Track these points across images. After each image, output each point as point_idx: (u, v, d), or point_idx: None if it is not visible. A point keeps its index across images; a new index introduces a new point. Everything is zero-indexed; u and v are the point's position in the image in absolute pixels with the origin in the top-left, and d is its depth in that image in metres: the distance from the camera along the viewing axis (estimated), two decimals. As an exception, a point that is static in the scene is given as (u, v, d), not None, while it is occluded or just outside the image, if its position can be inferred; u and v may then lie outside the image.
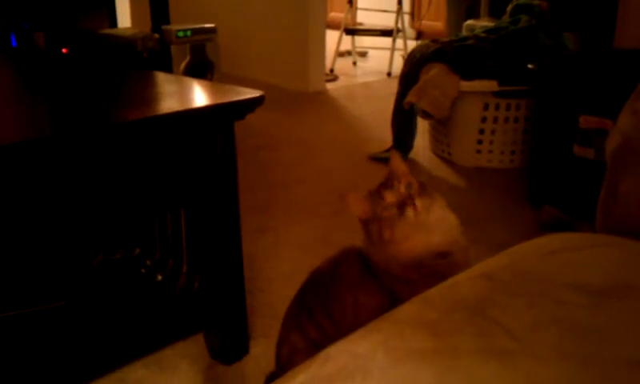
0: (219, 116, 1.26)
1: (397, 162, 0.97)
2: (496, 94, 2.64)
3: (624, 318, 0.53)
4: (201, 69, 3.45)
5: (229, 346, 1.44)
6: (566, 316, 0.53)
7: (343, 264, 1.05)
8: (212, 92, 1.45)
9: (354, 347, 0.53)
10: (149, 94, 1.43)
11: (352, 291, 1.00)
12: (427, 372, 0.49)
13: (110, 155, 1.15)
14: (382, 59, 5.10)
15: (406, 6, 5.78)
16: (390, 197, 0.91)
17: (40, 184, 1.08)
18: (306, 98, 4.05)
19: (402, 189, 0.92)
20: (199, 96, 1.41)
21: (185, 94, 1.46)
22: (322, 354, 0.53)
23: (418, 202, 0.90)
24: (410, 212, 0.89)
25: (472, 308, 0.55)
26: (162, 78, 1.60)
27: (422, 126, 2.94)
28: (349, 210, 0.97)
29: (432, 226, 0.91)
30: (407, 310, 0.57)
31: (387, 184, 0.94)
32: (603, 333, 0.52)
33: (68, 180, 1.11)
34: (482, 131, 2.71)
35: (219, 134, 1.28)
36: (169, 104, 1.37)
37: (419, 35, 6.09)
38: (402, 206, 0.90)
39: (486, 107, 2.67)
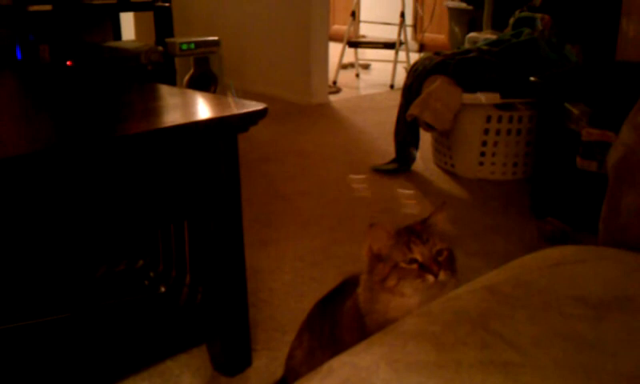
0: (222, 129, 1.27)
1: (442, 220, 0.90)
2: (498, 107, 2.65)
3: (625, 331, 0.54)
4: (204, 81, 3.46)
5: (231, 357, 1.44)
6: (569, 329, 0.53)
7: (346, 293, 1.04)
8: (215, 105, 1.45)
9: (357, 360, 0.53)
10: (153, 107, 1.44)
11: (340, 324, 1.00)
12: (430, 385, 0.49)
13: (114, 167, 1.16)
14: (384, 72, 5.12)
15: (409, 19, 5.81)
16: (418, 253, 0.85)
17: (44, 196, 1.08)
18: (309, 110, 4.06)
19: (434, 250, 0.85)
20: (203, 109, 1.42)
21: (188, 106, 1.47)
22: (325, 367, 0.54)
23: (442, 275, 0.83)
24: (429, 279, 0.83)
25: (475, 321, 0.55)
26: (165, 90, 1.60)
27: (425, 138, 2.94)
28: (367, 240, 0.93)
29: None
30: (410, 322, 0.58)
31: (421, 236, 0.88)
32: (605, 345, 0.52)
33: (72, 192, 1.11)
34: (484, 143, 2.71)
35: (222, 146, 1.28)
36: (172, 117, 1.37)
37: (422, 48, 6.12)
38: (425, 268, 0.84)
39: (488, 119, 2.68)
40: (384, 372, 0.50)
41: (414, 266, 0.85)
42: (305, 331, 1.14)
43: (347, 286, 1.04)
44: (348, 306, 0.99)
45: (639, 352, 0.50)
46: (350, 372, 0.51)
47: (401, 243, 0.88)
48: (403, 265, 0.86)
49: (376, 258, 0.90)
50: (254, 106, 1.29)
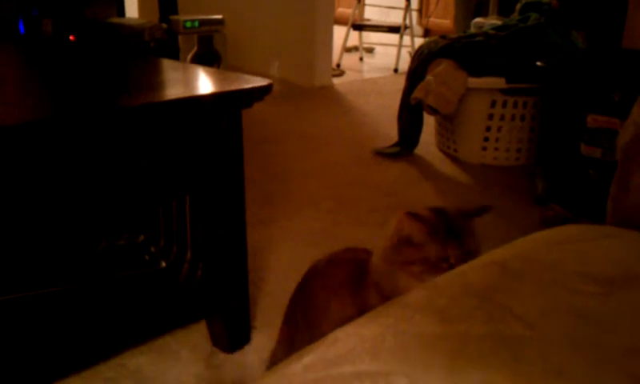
0: (227, 103, 1.26)
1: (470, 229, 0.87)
2: (503, 92, 2.63)
3: (634, 307, 0.53)
4: (208, 59, 3.44)
5: (230, 334, 1.44)
6: (578, 304, 0.53)
7: (334, 264, 1.03)
8: (220, 79, 1.44)
9: (363, 330, 0.52)
10: (156, 81, 1.43)
11: (328, 294, 0.99)
12: (437, 356, 0.48)
13: (117, 140, 1.15)
14: (388, 56, 5.09)
15: (414, 3, 5.76)
16: (452, 255, 0.82)
17: (46, 167, 1.07)
18: (312, 92, 4.04)
19: (465, 251, 0.82)
20: (207, 83, 1.41)
21: (193, 80, 1.46)
22: (331, 336, 0.53)
23: None
24: None
25: (482, 294, 0.54)
26: (169, 65, 1.59)
27: (428, 122, 2.93)
28: (400, 221, 0.89)
29: None
30: (417, 295, 0.57)
31: (459, 236, 0.84)
32: (614, 321, 0.51)
33: (74, 164, 1.10)
34: (488, 128, 2.70)
35: (226, 121, 1.27)
36: (176, 90, 1.36)
37: (427, 32, 6.08)
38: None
39: (493, 104, 2.66)
40: (390, 343, 0.50)
41: (445, 265, 0.82)
42: (283, 327, 1.15)
43: (316, 270, 1.04)
44: (338, 281, 0.98)
45: (649, 328, 0.50)
46: (355, 342, 0.51)
47: (437, 238, 0.84)
48: (434, 261, 0.83)
49: (405, 240, 0.87)
50: (259, 81, 1.28)
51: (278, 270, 1.81)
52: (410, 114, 2.84)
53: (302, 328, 1.05)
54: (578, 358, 0.48)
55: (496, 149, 2.72)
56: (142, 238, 1.56)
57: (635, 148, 0.80)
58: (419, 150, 2.89)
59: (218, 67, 3.48)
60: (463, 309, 0.53)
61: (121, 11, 3.80)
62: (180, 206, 1.46)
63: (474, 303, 0.53)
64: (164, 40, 3.26)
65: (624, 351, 0.49)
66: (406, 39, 4.88)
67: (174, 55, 3.32)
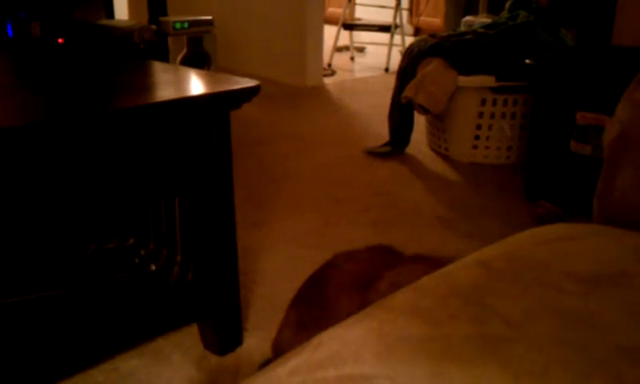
0: (215, 104, 1.26)
1: None
2: (493, 90, 2.64)
3: (618, 306, 0.53)
4: (198, 61, 3.43)
5: (222, 337, 1.44)
6: (562, 303, 0.53)
7: (352, 259, 1.04)
8: (208, 81, 1.44)
9: (347, 333, 0.52)
10: (145, 83, 1.42)
11: (339, 290, 0.99)
12: (421, 359, 0.48)
13: (108, 142, 1.14)
14: (379, 55, 5.09)
15: (405, 2, 5.77)
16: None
17: (35, 170, 1.07)
18: (303, 93, 4.04)
19: None
20: (195, 85, 1.40)
21: (181, 82, 1.45)
22: (315, 340, 0.53)
23: None
24: None
25: (467, 295, 0.54)
26: (158, 67, 1.58)
27: (419, 120, 2.93)
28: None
29: None
30: (401, 297, 0.57)
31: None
32: (598, 320, 0.51)
33: (63, 167, 1.10)
34: (478, 127, 2.70)
35: (215, 123, 1.27)
36: (164, 92, 1.35)
37: (417, 31, 6.09)
38: None
39: (483, 103, 2.66)
40: (374, 345, 0.50)
41: None
42: (291, 309, 1.14)
43: (337, 260, 1.04)
44: (348, 271, 0.99)
45: (632, 326, 0.50)
46: (339, 345, 0.50)
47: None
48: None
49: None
50: (247, 82, 1.28)
51: (271, 271, 1.81)
52: (400, 113, 2.85)
53: (315, 313, 1.05)
54: (563, 357, 0.48)
55: (487, 147, 2.72)
56: (131, 241, 1.55)
57: (620, 146, 0.80)
58: (410, 149, 2.89)
59: (208, 68, 3.47)
60: (448, 310, 0.53)
61: (110, 13, 3.79)
62: (169, 209, 1.46)
63: (459, 304, 0.53)
64: (153, 42, 3.26)
65: (609, 350, 0.49)
66: (397, 38, 4.88)
67: (164, 57, 3.32)
